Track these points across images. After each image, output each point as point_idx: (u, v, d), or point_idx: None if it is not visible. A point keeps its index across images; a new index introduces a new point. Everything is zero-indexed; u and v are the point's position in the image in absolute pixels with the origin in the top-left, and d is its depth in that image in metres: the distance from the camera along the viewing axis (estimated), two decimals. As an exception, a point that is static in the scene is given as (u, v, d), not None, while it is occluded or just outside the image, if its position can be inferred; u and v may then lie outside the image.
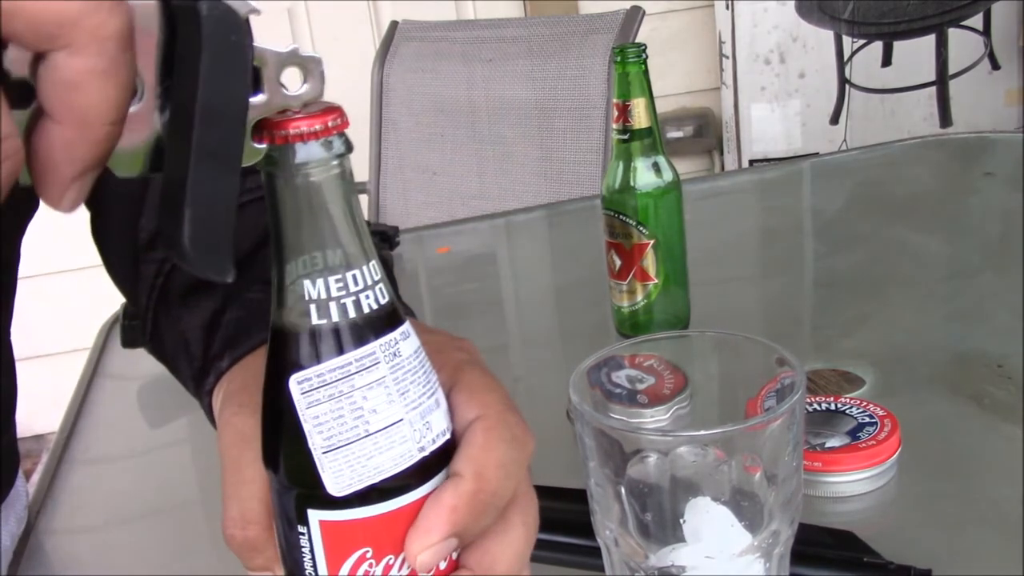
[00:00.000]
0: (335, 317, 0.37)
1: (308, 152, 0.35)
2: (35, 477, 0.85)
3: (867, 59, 2.35)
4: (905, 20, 2.32)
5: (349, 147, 0.37)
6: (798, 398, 0.42)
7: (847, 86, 2.37)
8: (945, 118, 2.37)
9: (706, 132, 2.59)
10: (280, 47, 0.35)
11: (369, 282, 0.37)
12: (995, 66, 2.36)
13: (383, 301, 0.37)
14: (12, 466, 0.75)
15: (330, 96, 0.37)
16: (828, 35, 2.34)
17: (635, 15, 1.67)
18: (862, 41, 2.34)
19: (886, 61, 2.36)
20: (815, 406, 0.70)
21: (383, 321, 0.37)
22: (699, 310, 0.89)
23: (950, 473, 0.67)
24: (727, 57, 2.41)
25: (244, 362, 0.49)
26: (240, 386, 0.46)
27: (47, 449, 0.88)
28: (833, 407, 0.70)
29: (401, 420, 0.37)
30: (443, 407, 0.39)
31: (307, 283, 0.37)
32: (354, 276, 0.37)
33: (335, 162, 0.36)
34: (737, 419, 0.46)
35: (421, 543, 0.37)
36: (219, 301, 0.52)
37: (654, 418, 0.53)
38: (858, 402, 0.70)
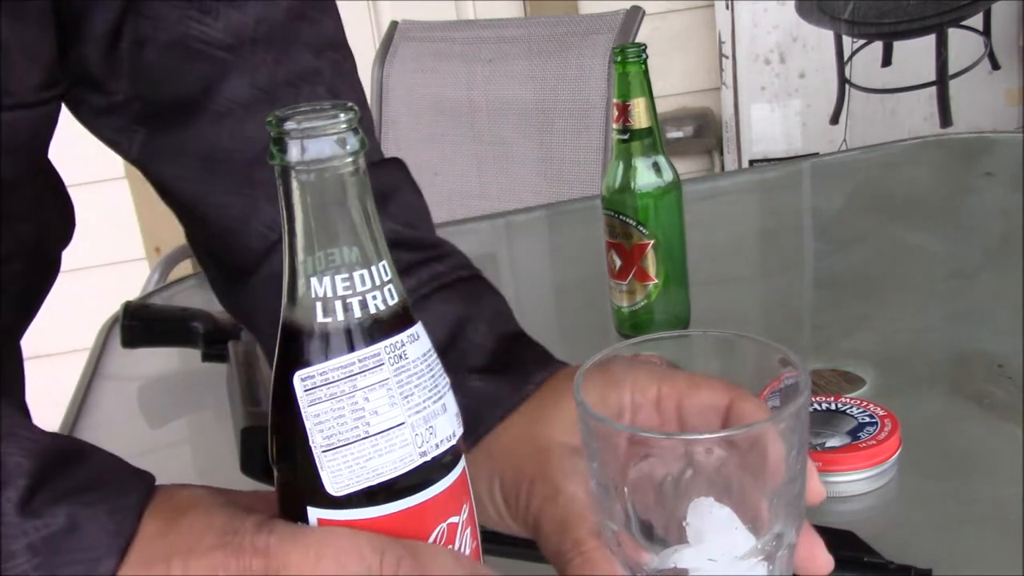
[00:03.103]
0: (340, 316, 0.36)
1: (319, 148, 0.35)
2: (35, 477, 0.84)
3: (867, 59, 2.35)
4: (905, 20, 2.31)
5: (363, 145, 0.36)
6: (803, 401, 0.41)
7: (847, 86, 2.36)
8: (945, 118, 2.37)
9: (706, 132, 2.59)
10: None
11: (378, 282, 0.37)
12: (995, 66, 2.36)
13: (392, 302, 0.37)
14: None
15: (330, 96, 0.37)
16: (828, 35, 2.34)
17: (635, 15, 1.67)
18: (862, 41, 2.34)
19: (886, 61, 2.35)
20: (815, 406, 0.70)
21: (390, 322, 0.37)
22: (699, 310, 0.89)
23: (950, 473, 0.67)
24: (727, 57, 2.40)
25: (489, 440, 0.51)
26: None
27: (47, 449, 0.88)
28: (833, 407, 0.70)
29: (403, 423, 0.37)
30: (451, 412, 0.39)
31: (314, 280, 0.36)
32: (362, 276, 0.37)
33: (347, 160, 0.36)
34: (738, 419, 0.46)
35: None
36: None
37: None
38: (858, 402, 0.70)
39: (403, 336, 0.37)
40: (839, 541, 0.58)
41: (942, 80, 2.35)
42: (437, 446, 0.38)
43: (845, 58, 2.35)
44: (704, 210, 1.20)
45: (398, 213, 0.59)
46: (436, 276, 0.58)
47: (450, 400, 0.39)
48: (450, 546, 0.39)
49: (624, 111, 0.83)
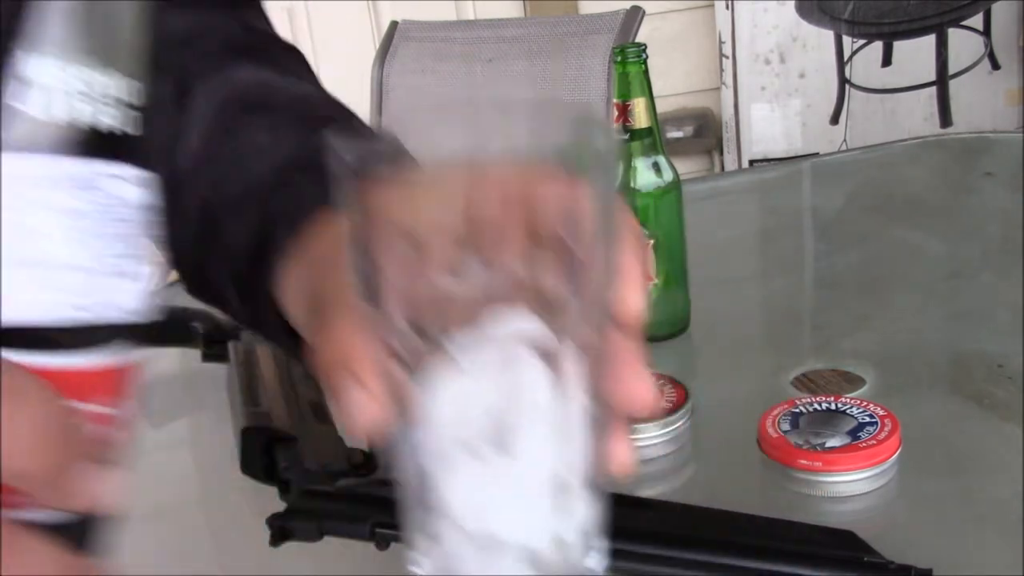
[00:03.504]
0: (44, 108, 0.30)
1: None
2: (35, 477, 0.84)
3: (867, 59, 2.35)
4: (905, 20, 2.32)
5: None
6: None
7: (847, 86, 2.37)
8: (945, 118, 2.37)
9: (706, 132, 2.59)
10: None
11: (103, 94, 0.30)
12: (995, 66, 2.36)
13: (114, 123, 0.31)
14: None
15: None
16: (828, 35, 2.34)
17: (635, 15, 1.67)
18: (862, 41, 2.34)
19: (886, 61, 2.36)
20: (815, 406, 0.70)
21: (101, 145, 0.31)
22: (699, 310, 0.89)
23: (950, 473, 0.67)
24: (727, 57, 2.41)
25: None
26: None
27: (47, 449, 0.87)
28: (833, 407, 0.70)
29: (71, 265, 0.30)
30: (136, 285, 0.32)
31: (33, 59, 0.30)
32: (83, 76, 0.30)
33: None
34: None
35: None
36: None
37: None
38: (858, 402, 0.70)
39: (112, 168, 0.31)
40: (839, 541, 0.58)
41: (942, 80, 2.35)
42: (101, 309, 0.31)
43: (845, 58, 2.35)
44: (704, 210, 1.20)
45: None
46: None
47: (142, 276, 0.32)
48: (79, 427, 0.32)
49: (624, 111, 0.83)
